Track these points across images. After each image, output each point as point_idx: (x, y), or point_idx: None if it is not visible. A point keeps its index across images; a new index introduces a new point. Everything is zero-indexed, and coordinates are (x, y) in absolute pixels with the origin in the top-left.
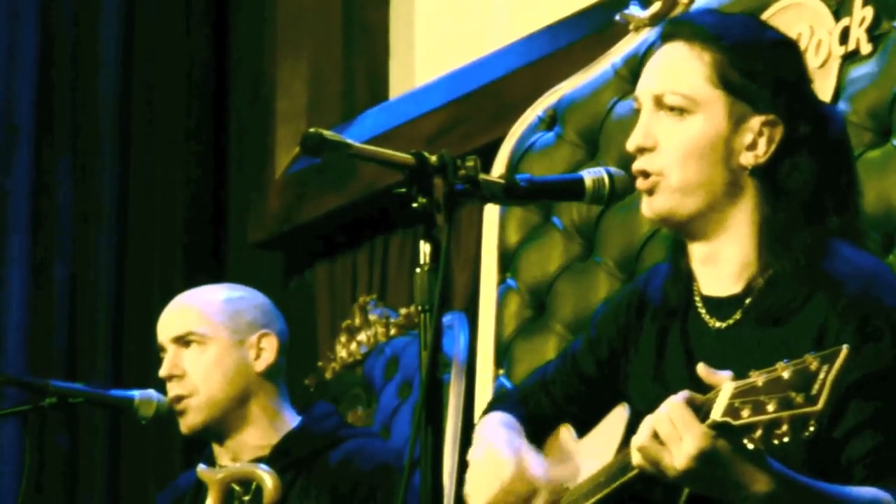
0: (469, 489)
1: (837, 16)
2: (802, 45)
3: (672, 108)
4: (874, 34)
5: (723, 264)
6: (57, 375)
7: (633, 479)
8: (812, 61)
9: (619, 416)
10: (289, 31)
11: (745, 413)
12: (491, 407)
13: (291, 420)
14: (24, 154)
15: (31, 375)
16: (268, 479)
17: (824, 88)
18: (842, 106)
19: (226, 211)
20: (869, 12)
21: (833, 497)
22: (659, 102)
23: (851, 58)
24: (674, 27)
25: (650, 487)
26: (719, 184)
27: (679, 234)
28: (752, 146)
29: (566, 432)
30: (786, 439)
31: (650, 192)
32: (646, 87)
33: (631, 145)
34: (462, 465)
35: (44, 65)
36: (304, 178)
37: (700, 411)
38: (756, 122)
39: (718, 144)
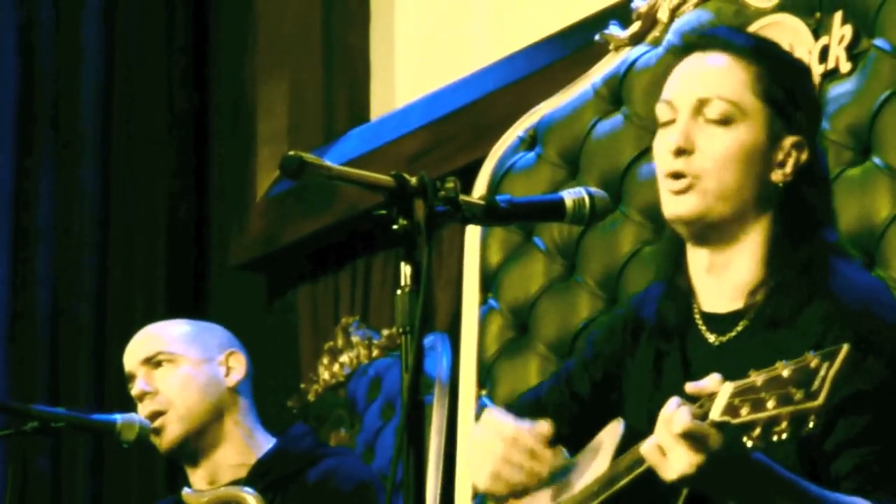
0: (473, 458)
1: (817, 34)
2: None
3: (716, 116)
4: (853, 52)
5: (729, 276)
6: (39, 400)
7: (631, 481)
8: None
9: (613, 430)
10: (269, 53)
11: (745, 411)
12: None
13: (265, 439)
14: (6, 178)
15: (13, 400)
16: (252, 501)
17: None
18: (822, 124)
19: (208, 233)
20: (848, 30)
21: (817, 496)
22: (701, 107)
23: (831, 76)
24: (704, 39)
25: (649, 488)
26: (750, 195)
27: (693, 238)
28: (782, 164)
29: (558, 452)
30: (784, 436)
31: (682, 191)
32: (685, 92)
33: (671, 146)
34: (445, 488)
35: (24, 90)
36: (286, 201)
37: (700, 415)
38: (788, 141)
39: (757, 156)
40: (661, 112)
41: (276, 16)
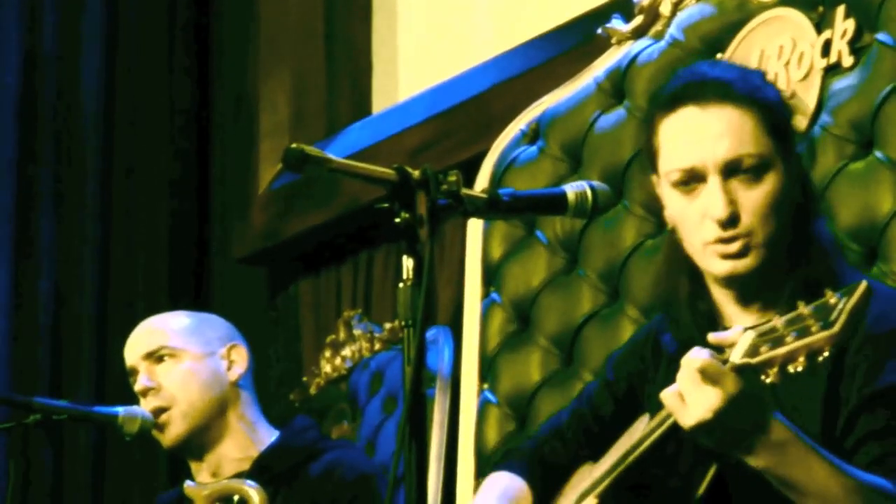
0: None
1: (819, 28)
2: (784, 58)
3: (746, 171)
4: (856, 46)
5: (752, 304)
6: (41, 393)
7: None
8: (794, 74)
9: (640, 422)
10: (271, 46)
11: (764, 349)
12: (499, 463)
13: (268, 432)
14: (8, 173)
15: (14, 393)
16: (254, 494)
17: (806, 101)
18: (824, 118)
19: (210, 227)
20: (850, 25)
21: (836, 465)
22: (733, 168)
23: (833, 70)
24: (692, 90)
25: (668, 473)
26: (786, 232)
27: (731, 286)
28: (796, 194)
29: (585, 467)
30: (800, 368)
31: (739, 254)
32: (709, 156)
33: (718, 216)
34: (447, 481)
35: (27, 90)
36: (288, 194)
37: (721, 360)
38: (795, 161)
39: (790, 192)
40: (680, 178)
41: (279, 9)
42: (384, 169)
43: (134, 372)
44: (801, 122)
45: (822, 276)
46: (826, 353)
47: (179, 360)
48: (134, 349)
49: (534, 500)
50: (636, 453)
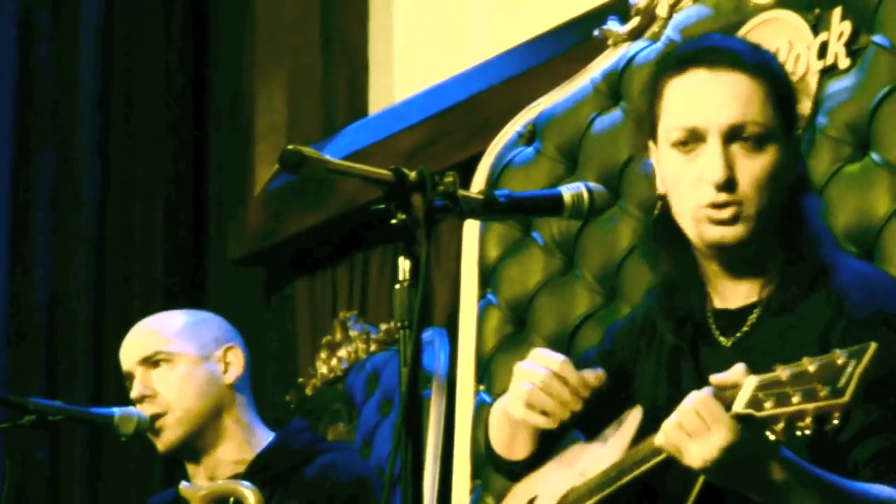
0: (514, 386)
1: (816, 30)
2: (781, 60)
3: (750, 139)
4: (852, 48)
5: (744, 279)
6: (36, 394)
7: (649, 470)
8: (790, 75)
9: (632, 416)
10: (268, 46)
11: (769, 405)
12: None
13: (264, 435)
14: (4, 172)
15: (10, 394)
16: (250, 495)
17: (803, 103)
18: (820, 120)
19: (206, 227)
20: (847, 27)
21: (846, 490)
22: (735, 133)
23: (830, 72)
24: (703, 53)
25: (662, 480)
26: (780, 207)
27: (719, 259)
28: (795, 166)
29: (575, 445)
30: (808, 432)
31: (729, 221)
32: (713, 119)
33: (715, 179)
34: (443, 482)
35: (22, 82)
36: (284, 195)
37: (724, 403)
38: (795, 142)
39: (788, 168)
40: (680, 136)
41: (275, 9)
42: (380, 170)
43: (130, 377)
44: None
45: (811, 255)
46: (836, 421)
47: (175, 365)
48: (130, 353)
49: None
50: (627, 478)
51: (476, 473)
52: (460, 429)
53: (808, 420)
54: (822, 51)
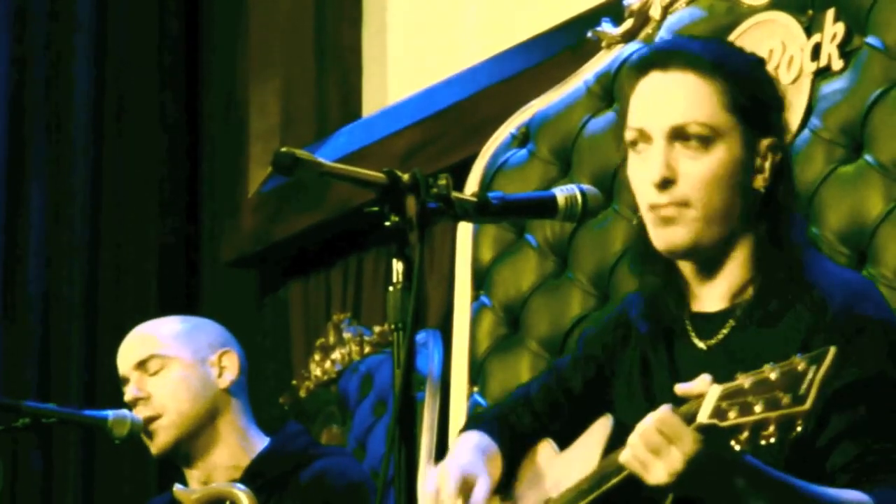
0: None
1: (809, 32)
2: (774, 61)
3: (692, 139)
4: (846, 50)
5: (718, 282)
6: (30, 397)
7: (621, 481)
8: (784, 77)
9: (602, 426)
10: (261, 49)
11: (732, 414)
12: (467, 426)
13: (259, 439)
14: None
15: (3, 396)
16: (244, 498)
17: (796, 104)
18: (814, 121)
19: (199, 230)
20: (840, 28)
21: (810, 494)
22: (678, 134)
23: (823, 74)
24: (664, 55)
25: (636, 491)
26: (738, 210)
27: (685, 259)
28: (760, 169)
29: (547, 446)
30: (772, 440)
31: (668, 222)
32: (658, 119)
33: (654, 179)
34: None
35: (16, 94)
36: (278, 197)
37: (687, 415)
38: (764, 144)
39: (738, 171)
40: (631, 137)
41: (269, 12)
42: (374, 172)
43: (125, 381)
44: (791, 125)
45: (796, 274)
46: (799, 429)
47: (170, 369)
48: (125, 358)
49: (503, 462)
50: (596, 493)
51: None
52: (454, 431)
53: (772, 428)
54: (816, 52)
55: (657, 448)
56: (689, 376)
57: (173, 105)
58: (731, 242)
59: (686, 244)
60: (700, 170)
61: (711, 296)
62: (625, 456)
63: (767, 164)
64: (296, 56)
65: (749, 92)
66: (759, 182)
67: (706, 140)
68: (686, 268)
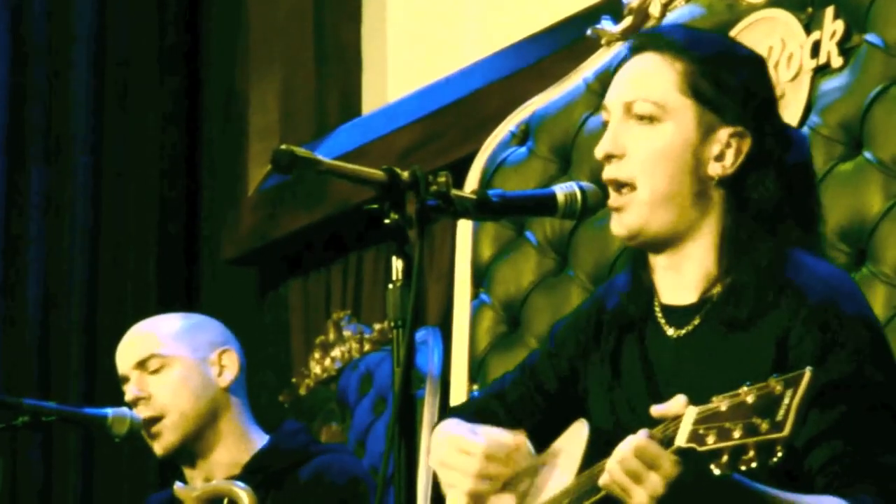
0: (446, 481)
1: (808, 29)
2: (774, 59)
3: (642, 116)
4: (845, 47)
5: (685, 272)
6: (29, 394)
7: (599, 500)
8: (783, 74)
9: (578, 432)
10: (261, 47)
11: (711, 439)
12: (444, 417)
13: (259, 437)
14: None
15: (3, 394)
16: (244, 496)
17: (796, 101)
18: (813, 119)
19: (199, 227)
20: (840, 26)
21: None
22: (629, 110)
23: (822, 71)
24: (644, 39)
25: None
26: (687, 194)
27: (645, 248)
28: (720, 157)
29: (524, 446)
30: (753, 465)
31: (618, 210)
32: (615, 96)
33: (599, 152)
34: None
35: (16, 92)
36: (278, 195)
37: (664, 439)
38: (724, 133)
39: (687, 153)
40: (604, 116)
41: (268, 10)
42: (373, 170)
43: (125, 380)
44: (790, 123)
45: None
46: (780, 455)
47: (170, 368)
48: (125, 357)
49: None
50: None
51: None
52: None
53: (752, 453)
54: (815, 50)
55: (636, 474)
56: (661, 365)
57: (173, 102)
58: (690, 232)
59: (633, 229)
60: (645, 147)
61: (678, 287)
62: (604, 480)
63: (729, 153)
64: (295, 54)
65: (715, 78)
66: (717, 170)
67: (652, 118)
68: (651, 258)
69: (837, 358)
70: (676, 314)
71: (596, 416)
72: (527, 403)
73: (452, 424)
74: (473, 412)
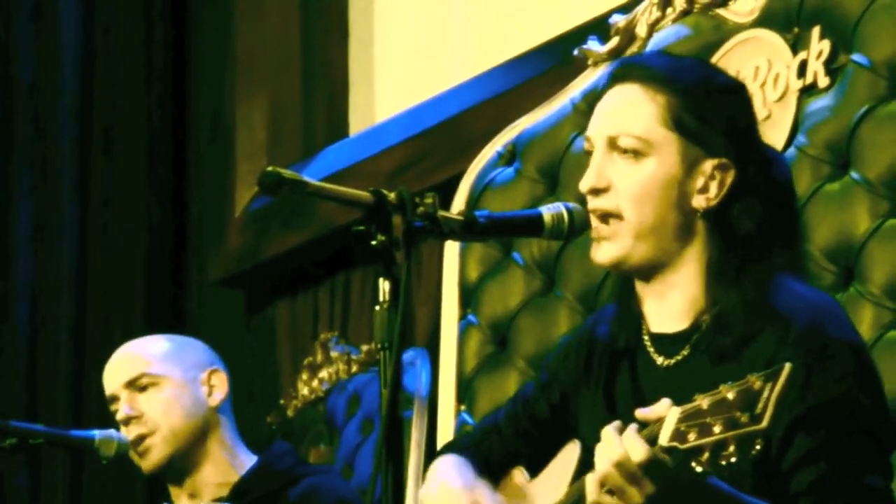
0: None
1: (795, 49)
2: (760, 79)
3: (626, 151)
4: (831, 67)
5: (671, 302)
6: (17, 417)
7: None
8: (770, 95)
9: (570, 452)
10: (248, 68)
11: (692, 436)
12: (443, 451)
13: (247, 457)
14: None
15: None
16: None
17: (782, 122)
18: (800, 139)
19: (186, 249)
20: (826, 46)
21: None
22: (612, 144)
23: (809, 91)
24: (625, 69)
25: None
26: (671, 227)
27: (630, 275)
28: (704, 189)
29: (519, 474)
30: (733, 460)
31: (599, 239)
32: (599, 129)
33: (584, 186)
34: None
35: (1, 106)
36: (265, 216)
37: (648, 439)
38: (708, 165)
39: (672, 187)
40: (586, 146)
41: (255, 31)
42: (360, 192)
43: (114, 400)
44: (777, 143)
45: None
46: (758, 447)
47: (161, 388)
48: (114, 377)
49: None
50: None
51: None
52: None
53: (732, 448)
54: (802, 70)
55: (620, 487)
56: (652, 394)
57: (160, 124)
58: (672, 263)
59: (613, 259)
60: (630, 182)
61: (665, 315)
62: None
63: (713, 185)
64: (283, 75)
65: (698, 111)
66: (701, 202)
67: (636, 153)
68: (638, 286)
69: (824, 382)
70: (665, 342)
71: (589, 444)
72: (521, 435)
73: (451, 470)
74: (472, 445)
